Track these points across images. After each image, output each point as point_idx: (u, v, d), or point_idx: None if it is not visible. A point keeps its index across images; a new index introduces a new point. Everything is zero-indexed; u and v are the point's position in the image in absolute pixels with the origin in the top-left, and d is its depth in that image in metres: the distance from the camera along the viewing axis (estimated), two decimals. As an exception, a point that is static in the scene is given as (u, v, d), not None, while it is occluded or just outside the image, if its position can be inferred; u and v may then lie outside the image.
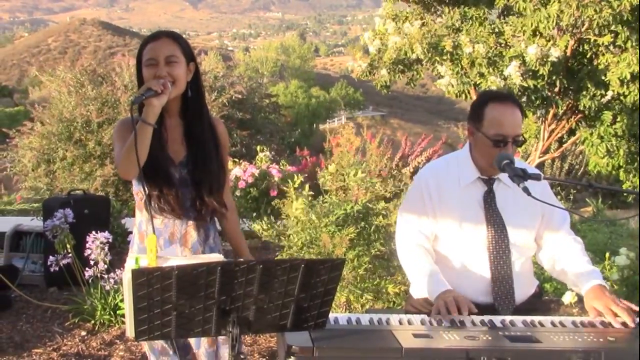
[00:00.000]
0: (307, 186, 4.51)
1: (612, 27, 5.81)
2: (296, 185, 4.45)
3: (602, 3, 5.58)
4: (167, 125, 2.36)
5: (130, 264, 2.33)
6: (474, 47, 6.06)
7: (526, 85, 5.99)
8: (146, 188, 2.28)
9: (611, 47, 6.13)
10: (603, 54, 6.13)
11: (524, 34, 6.13)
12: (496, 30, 6.43)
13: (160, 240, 2.35)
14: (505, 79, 5.95)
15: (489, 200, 2.50)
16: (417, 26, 6.50)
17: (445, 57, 6.31)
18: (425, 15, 6.93)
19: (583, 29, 6.01)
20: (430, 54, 6.32)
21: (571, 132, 7.31)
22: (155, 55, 2.27)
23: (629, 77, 5.84)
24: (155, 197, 2.32)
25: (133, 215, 2.52)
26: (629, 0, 5.54)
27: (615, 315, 2.22)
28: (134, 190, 2.42)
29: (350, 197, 4.47)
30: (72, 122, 9.59)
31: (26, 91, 52.00)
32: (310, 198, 4.37)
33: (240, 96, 11.54)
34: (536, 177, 2.25)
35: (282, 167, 6.48)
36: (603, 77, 6.11)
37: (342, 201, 4.34)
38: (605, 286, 2.36)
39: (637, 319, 2.21)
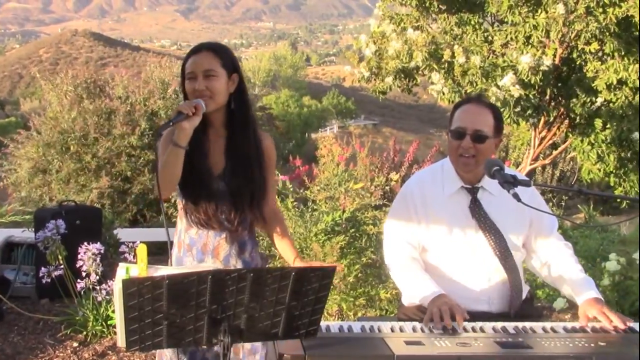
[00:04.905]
0: (289, 199, 4.50)
1: (600, 37, 5.87)
2: (289, 206, 4.41)
3: (589, 18, 5.64)
4: (211, 137, 2.36)
5: (120, 274, 2.32)
6: (468, 58, 6.07)
7: (519, 95, 6.00)
8: (183, 199, 2.34)
9: (599, 54, 6.18)
10: (591, 62, 6.18)
11: (516, 43, 6.16)
12: (489, 38, 6.46)
13: (193, 251, 2.38)
14: (500, 88, 5.96)
15: (476, 209, 2.51)
16: (412, 32, 6.50)
17: (442, 66, 6.32)
18: (420, 19, 6.94)
19: (572, 36, 6.06)
20: (429, 62, 6.34)
21: (563, 139, 7.35)
22: (195, 69, 2.29)
23: (615, 82, 5.88)
24: (190, 209, 2.34)
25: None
26: (614, 14, 5.60)
27: (609, 318, 2.24)
28: (177, 199, 2.43)
29: (338, 206, 4.47)
30: (69, 133, 9.53)
31: (17, 103, 51.78)
32: (293, 210, 4.36)
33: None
34: (526, 184, 2.26)
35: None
36: (592, 85, 6.15)
37: (331, 210, 4.34)
38: (602, 299, 2.39)
39: (630, 323, 2.24)
